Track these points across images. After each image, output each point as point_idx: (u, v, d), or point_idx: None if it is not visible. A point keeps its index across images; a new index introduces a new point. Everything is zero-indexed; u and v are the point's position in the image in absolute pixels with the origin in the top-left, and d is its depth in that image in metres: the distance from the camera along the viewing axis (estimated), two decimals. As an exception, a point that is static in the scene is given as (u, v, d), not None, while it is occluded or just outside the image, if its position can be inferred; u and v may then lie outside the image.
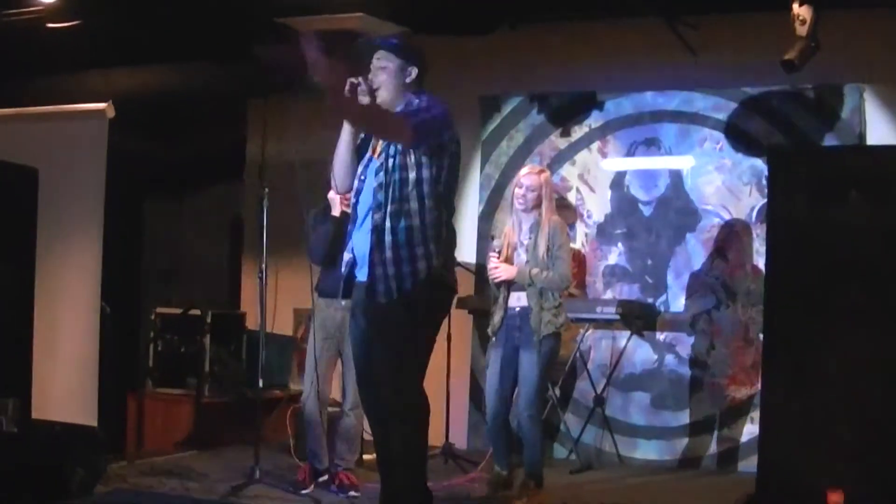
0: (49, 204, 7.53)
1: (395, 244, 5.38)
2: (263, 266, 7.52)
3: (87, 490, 6.99)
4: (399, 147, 5.48)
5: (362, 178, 5.68)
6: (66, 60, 9.36)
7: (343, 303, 6.88)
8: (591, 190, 9.65)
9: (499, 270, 7.31)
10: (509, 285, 7.33)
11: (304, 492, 7.38)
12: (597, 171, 9.64)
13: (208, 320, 9.72)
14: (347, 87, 5.51)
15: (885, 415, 6.33)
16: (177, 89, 9.98)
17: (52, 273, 7.92)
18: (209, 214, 11.90)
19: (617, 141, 9.61)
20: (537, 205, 7.31)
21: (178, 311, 9.96)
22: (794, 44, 7.26)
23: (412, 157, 5.49)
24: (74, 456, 6.99)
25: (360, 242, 5.56)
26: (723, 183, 9.19)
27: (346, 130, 5.68)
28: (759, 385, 7.86)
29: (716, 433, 9.04)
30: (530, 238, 7.29)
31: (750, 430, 8.75)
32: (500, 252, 7.36)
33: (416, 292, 5.38)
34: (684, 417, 9.14)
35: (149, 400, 9.68)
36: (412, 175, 5.45)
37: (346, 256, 5.72)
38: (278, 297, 8.71)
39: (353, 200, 5.79)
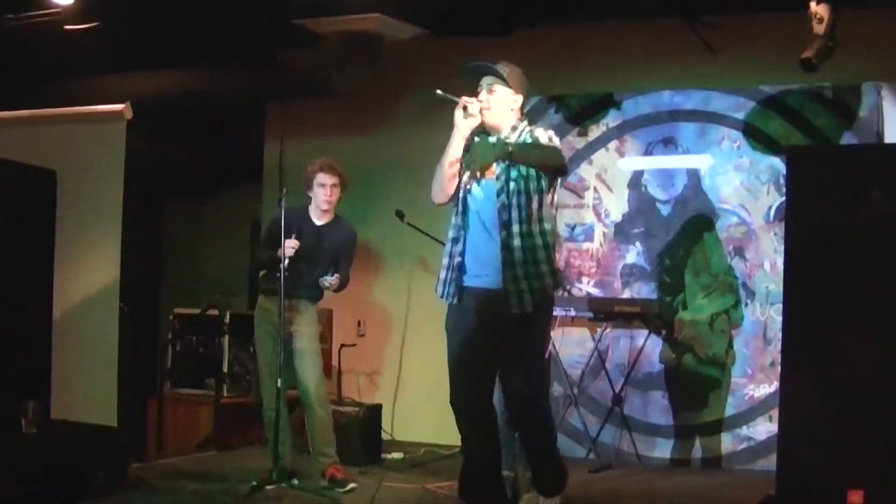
0: (67, 206, 7.55)
1: (525, 262, 5.93)
2: (282, 266, 7.53)
3: (109, 491, 7.02)
4: (521, 171, 5.95)
5: (468, 189, 6.14)
6: (84, 63, 9.36)
7: (294, 302, 7.70)
8: (609, 189, 9.64)
9: None
10: None
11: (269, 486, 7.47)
12: (614, 171, 9.63)
13: (227, 321, 9.74)
14: (460, 106, 6.02)
15: (906, 413, 6.32)
16: (195, 91, 9.98)
17: (71, 275, 7.94)
18: (228, 216, 11.92)
19: (634, 140, 9.60)
20: None
21: (196, 311, 9.98)
22: (811, 42, 7.24)
23: (534, 182, 5.99)
24: (95, 457, 7.01)
25: (477, 251, 6.07)
26: (741, 182, 9.18)
27: (456, 147, 6.06)
28: (777, 384, 7.84)
29: (735, 432, 9.03)
30: None
31: (769, 428, 8.74)
32: None
33: (543, 302, 5.99)
34: (703, 416, 9.14)
35: (168, 401, 9.70)
36: (536, 199, 5.99)
37: (456, 260, 6.17)
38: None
39: (458, 209, 6.22)
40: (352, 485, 7.62)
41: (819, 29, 7.16)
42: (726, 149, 9.25)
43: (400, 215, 8.91)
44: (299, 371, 7.77)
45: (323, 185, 7.78)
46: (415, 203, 9.46)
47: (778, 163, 8.91)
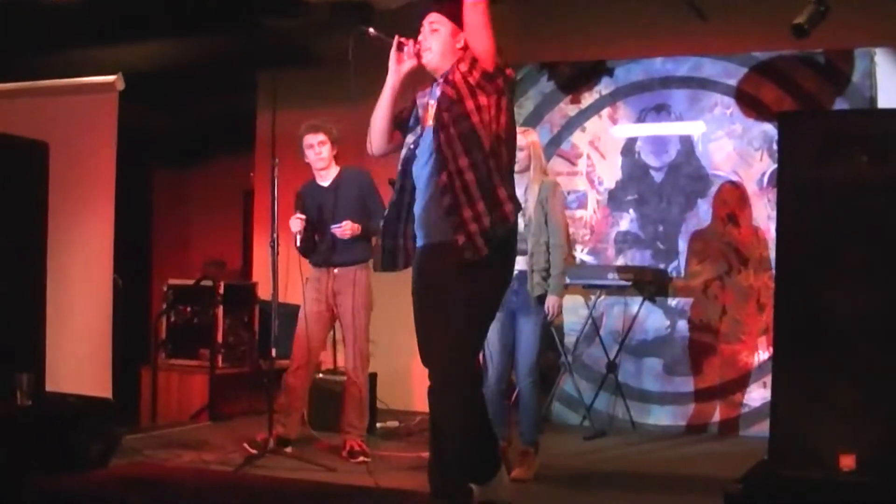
0: (60, 178, 7.53)
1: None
2: (275, 236, 7.55)
3: (104, 462, 7.02)
4: None
5: (412, 146, 5.84)
6: (74, 34, 9.32)
7: (336, 271, 7.71)
8: (602, 157, 9.64)
9: None
10: None
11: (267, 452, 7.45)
12: (607, 138, 9.63)
13: (220, 291, 9.74)
14: (395, 46, 5.56)
15: (898, 377, 6.33)
16: (186, 61, 9.95)
17: (64, 247, 7.93)
18: (220, 186, 11.91)
19: (627, 107, 9.59)
20: (526, 167, 7.18)
21: (189, 282, 9.98)
22: (803, 8, 7.22)
23: None
24: (89, 428, 7.01)
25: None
26: (733, 148, 9.18)
27: (387, 92, 5.74)
28: (770, 350, 7.86)
29: (728, 398, 9.06)
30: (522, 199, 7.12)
31: (762, 394, 8.77)
32: None
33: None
34: (697, 383, 9.16)
35: (162, 372, 9.71)
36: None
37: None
38: (290, 267, 8.72)
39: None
40: (363, 458, 7.63)
41: (810, -6, 7.15)
42: (719, 115, 9.25)
43: (393, 184, 8.85)
44: (347, 342, 7.95)
45: (311, 147, 7.78)
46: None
47: (771, 129, 8.91)
